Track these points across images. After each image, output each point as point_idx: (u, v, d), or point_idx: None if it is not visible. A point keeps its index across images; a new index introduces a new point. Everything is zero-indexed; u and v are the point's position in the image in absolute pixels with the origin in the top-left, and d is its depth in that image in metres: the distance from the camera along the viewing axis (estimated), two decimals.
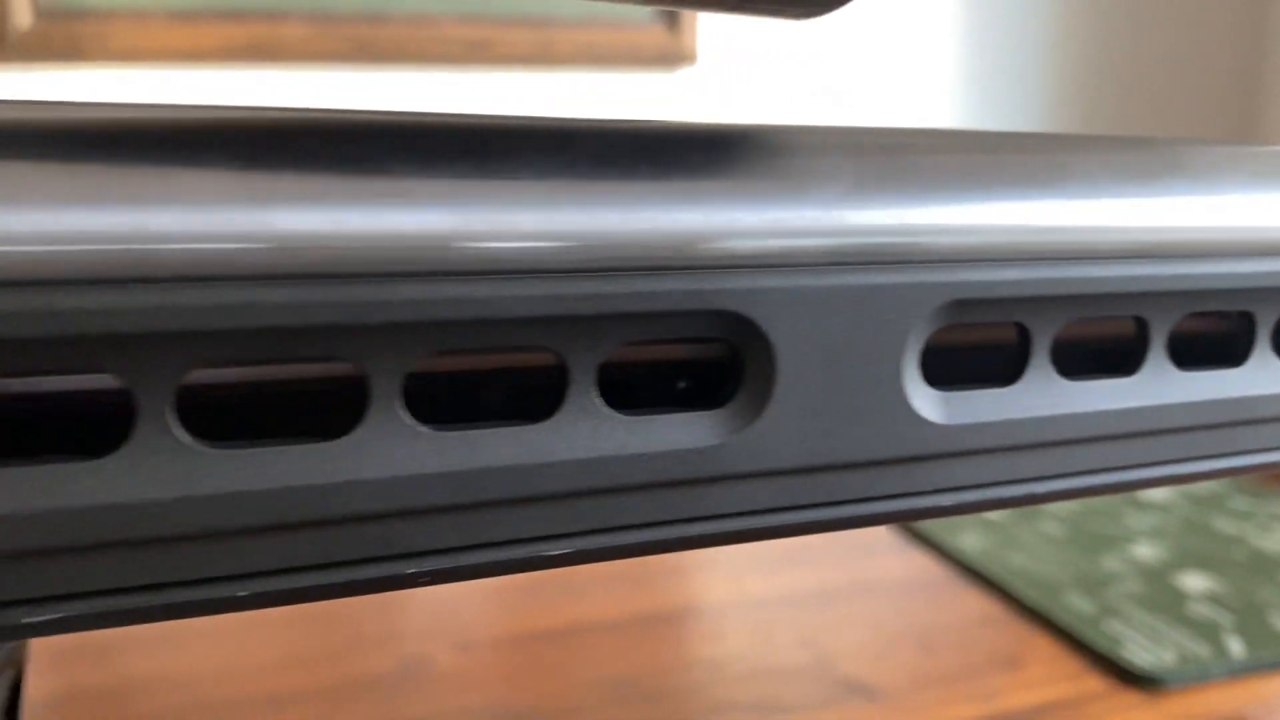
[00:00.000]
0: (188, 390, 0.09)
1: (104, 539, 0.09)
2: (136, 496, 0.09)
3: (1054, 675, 0.46)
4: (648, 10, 1.45)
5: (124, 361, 0.09)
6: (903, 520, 0.12)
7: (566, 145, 0.10)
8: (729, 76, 1.55)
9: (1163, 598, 0.52)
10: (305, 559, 0.10)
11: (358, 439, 0.10)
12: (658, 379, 0.11)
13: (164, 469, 0.09)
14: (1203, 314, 0.14)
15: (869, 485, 0.11)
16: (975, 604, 0.53)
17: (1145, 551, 0.58)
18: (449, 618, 0.52)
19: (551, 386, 0.10)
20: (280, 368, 0.10)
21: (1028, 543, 0.58)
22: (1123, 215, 0.12)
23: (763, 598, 0.54)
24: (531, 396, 0.10)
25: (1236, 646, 0.47)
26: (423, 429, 0.10)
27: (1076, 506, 0.64)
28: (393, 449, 0.10)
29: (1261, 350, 0.14)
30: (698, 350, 0.11)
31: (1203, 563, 0.56)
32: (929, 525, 0.60)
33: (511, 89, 1.21)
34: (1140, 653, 0.47)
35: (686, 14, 1.46)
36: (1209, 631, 0.49)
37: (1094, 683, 0.46)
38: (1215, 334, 0.14)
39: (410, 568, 0.10)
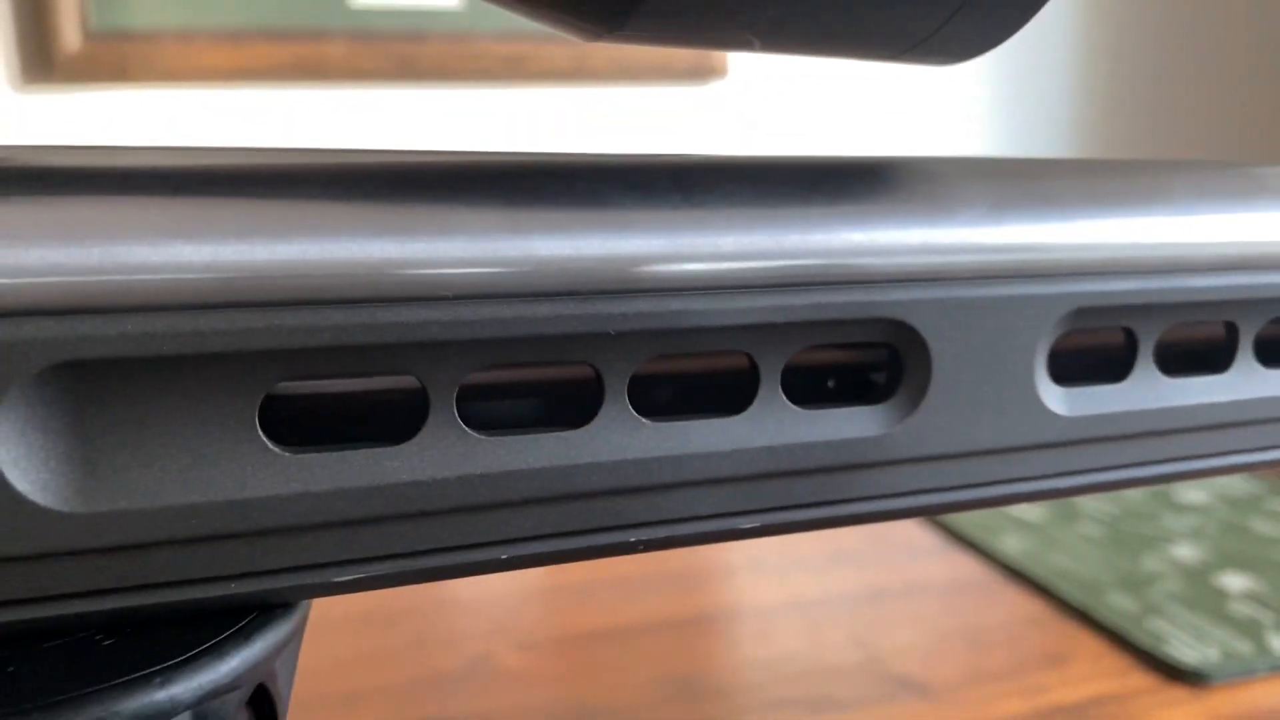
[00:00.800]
0: (464, 388, 0.11)
1: (401, 511, 0.11)
2: (428, 475, 0.11)
3: (1100, 671, 0.48)
4: None
5: (423, 364, 0.11)
6: (1033, 500, 0.13)
7: (756, 179, 0.12)
8: (760, 91, 1.57)
9: (1204, 597, 0.53)
10: (552, 528, 0.12)
11: (595, 429, 0.12)
12: (816, 379, 0.13)
13: (449, 453, 0.11)
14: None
15: (1006, 470, 0.13)
16: (1019, 604, 0.54)
17: (1185, 552, 0.59)
18: (509, 619, 0.54)
19: (742, 385, 0.12)
20: (534, 370, 0.12)
21: (1068, 544, 0.60)
22: (1216, 231, 0.13)
23: (813, 598, 0.55)
24: (727, 393, 0.12)
25: (1278, 644, 0.49)
26: (645, 421, 0.12)
27: (1114, 509, 0.65)
28: (622, 437, 0.12)
29: None
30: (855, 354, 0.13)
31: (1242, 563, 0.57)
32: (971, 528, 0.62)
33: (548, 104, 1.23)
34: (1184, 650, 0.48)
35: None
36: (1251, 629, 0.50)
37: (1139, 679, 0.47)
38: None
39: (632, 536, 0.12)
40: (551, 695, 0.47)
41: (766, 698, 0.46)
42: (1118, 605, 0.52)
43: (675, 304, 0.11)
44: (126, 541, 0.10)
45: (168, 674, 0.10)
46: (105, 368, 0.10)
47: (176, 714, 0.09)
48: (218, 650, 0.10)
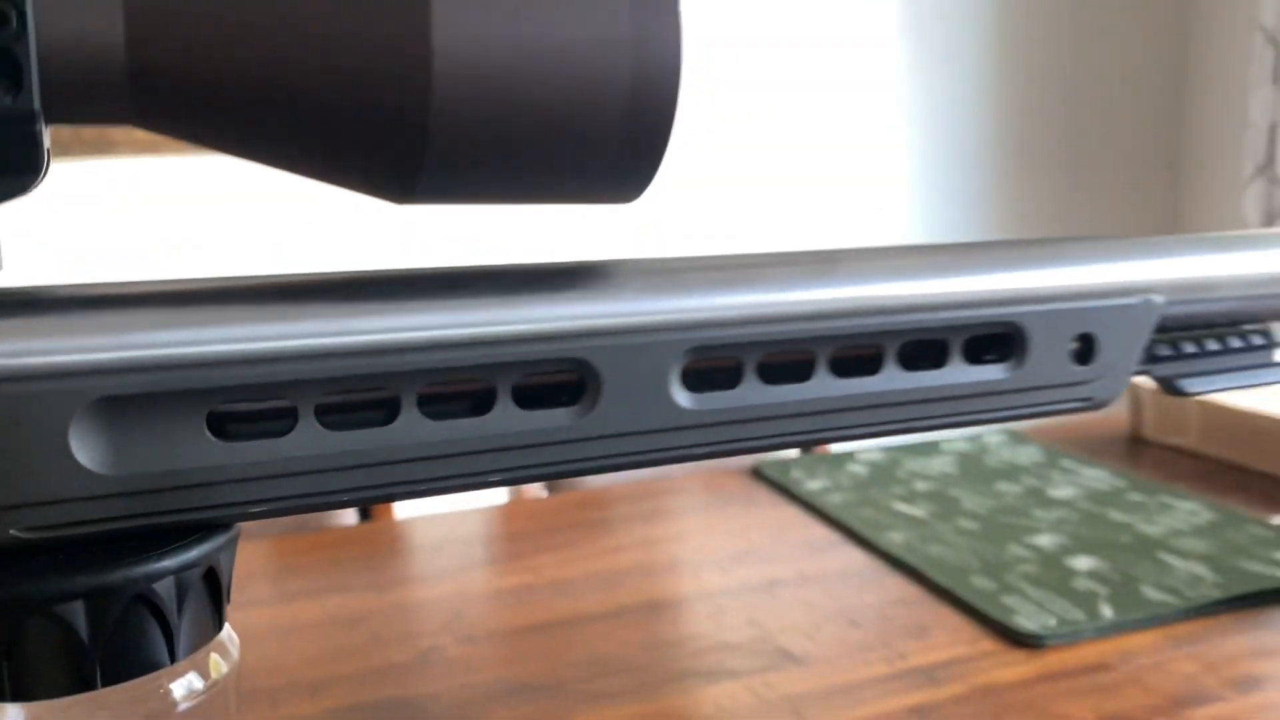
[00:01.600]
0: None
1: (286, 472, 0.19)
2: (301, 454, 0.19)
3: (955, 640, 0.56)
4: None
5: (290, 392, 0.19)
6: (676, 461, 0.21)
7: (502, 277, 0.20)
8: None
9: (1054, 576, 0.62)
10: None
11: (399, 428, 0.20)
12: (536, 394, 0.21)
13: (308, 445, 0.19)
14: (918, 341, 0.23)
15: (656, 442, 0.21)
16: (896, 588, 0.63)
17: (1045, 540, 0.68)
18: (455, 618, 0.62)
19: (487, 399, 0.20)
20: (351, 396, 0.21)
21: (945, 536, 0.68)
22: (783, 301, 0.22)
23: (719, 589, 0.64)
24: (480, 404, 0.20)
25: (1108, 611, 0.57)
26: (431, 422, 0.20)
27: (992, 504, 0.74)
28: (421, 433, 0.19)
29: (955, 358, 0.24)
30: (561, 377, 0.21)
31: (1093, 547, 0.66)
32: (862, 525, 0.70)
33: None
34: (1027, 619, 0.57)
35: None
36: (1088, 600, 0.59)
37: (988, 645, 0.56)
38: (933, 347, 0.24)
39: (431, 487, 0.20)
40: (490, 677, 0.55)
41: (673, 670, 0.55)
42: (979, 586, 0.61)
43: (450, 355, 0.19)
44: (135, 489, 0.17)
45: (163, 554, 0.18)
46: (125, 401, 0.18)
47: (167, 575, 0.17)
48: (188, 546, 0.18)
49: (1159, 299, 0.25)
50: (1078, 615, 0.57)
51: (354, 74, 0.16)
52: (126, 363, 0.17)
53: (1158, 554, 0.65)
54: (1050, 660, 0.54)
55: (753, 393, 0.21)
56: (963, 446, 0.88)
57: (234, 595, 0.22)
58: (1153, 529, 0.69)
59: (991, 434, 0.91)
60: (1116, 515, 0.71)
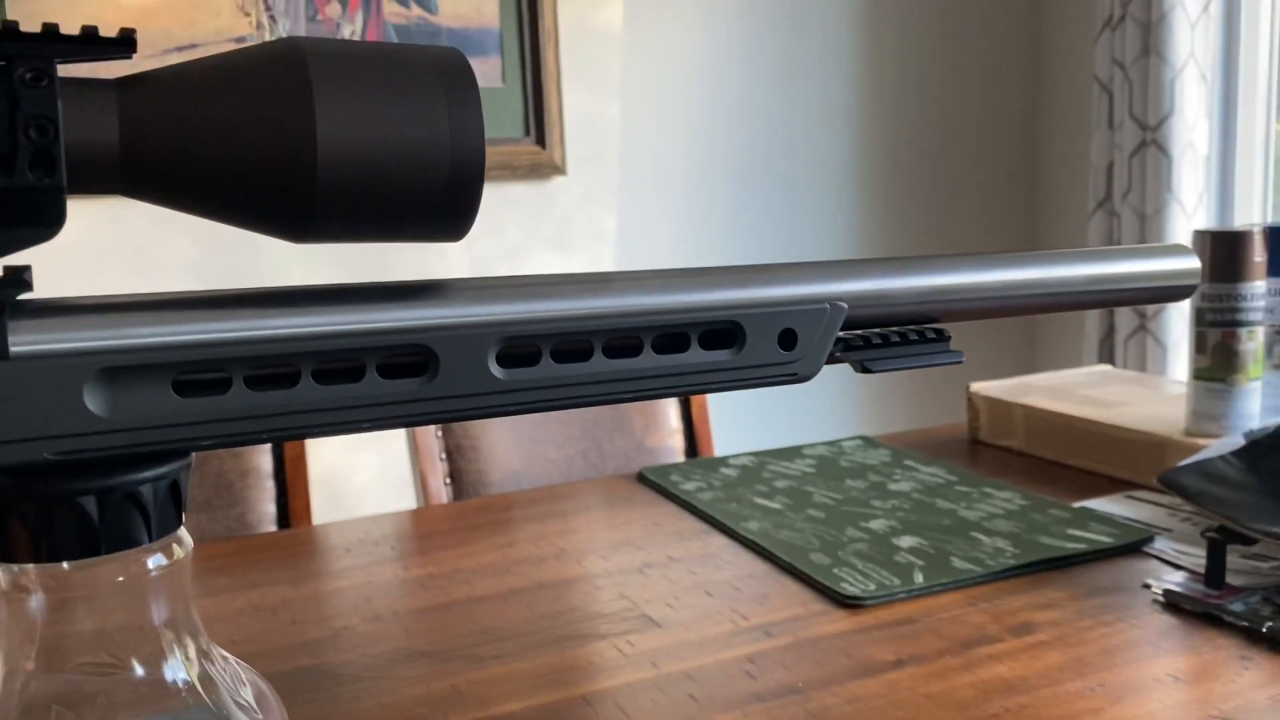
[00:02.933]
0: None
1: (241, 415, 0.28)
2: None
3: (791, 604, 0.67)
4: (519, 127, 1.71)
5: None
6: (502, 414, 0.31)
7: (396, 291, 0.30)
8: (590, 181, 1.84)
9: (880, 552, 0.73)
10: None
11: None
12: (399, 368, 0.30)
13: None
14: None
15: (485, 401, 0.30)
16: (749, 566, 0.73)
17: (879, 524, 0.79)
18: (366, 603, 0.70)
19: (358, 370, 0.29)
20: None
21: (795, 524, 0.79)
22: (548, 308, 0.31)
23: (598, 572, 0.73)
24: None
25: (919, 578, 0.68)
26: (329, 388, 0.29)
27: (839, 498, 0.85)
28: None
29: (694, 346, 0.34)
30: (410, 357, 0.30)
31: (918, 529, 0.77)
32: (724, 516, 0.81)
33: None
34: (852, 585, 0.67)
35: (554, 133, 1.73)
36: (905, 570, 0.70)
37: (817, 607, 0.66)
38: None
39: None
40: (393, 647, 0.64)
41: (550, 636, 0.64)
42: (816, 561, 0.72)
43: (335, 342, 0.28)
44: (126, 428, 0.26)
45: (144, 469, 0.26)
46: (119, 370, 0.27)
47: (147, 483, 0.26)
48: (160, 465, 0.27)
49: (844, 305, 0.35)
50: (894, 581, 0.68)
51: (264, 159, 0.25)
52: (119, 347, 0.26)
53: (971, 533, 0.76)
54: (866, 617, 0.65)
55: (548, 369, 0.30)
56: (822, 450, 0.99)
57: None
58: (971, 514, 0.80)
59: (848, 439, 1.02)
60: (943, 503, 0.83)
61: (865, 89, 2.19)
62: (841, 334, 0.36)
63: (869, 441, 1.02)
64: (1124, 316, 2.00)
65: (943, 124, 2.28)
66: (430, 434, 1.18)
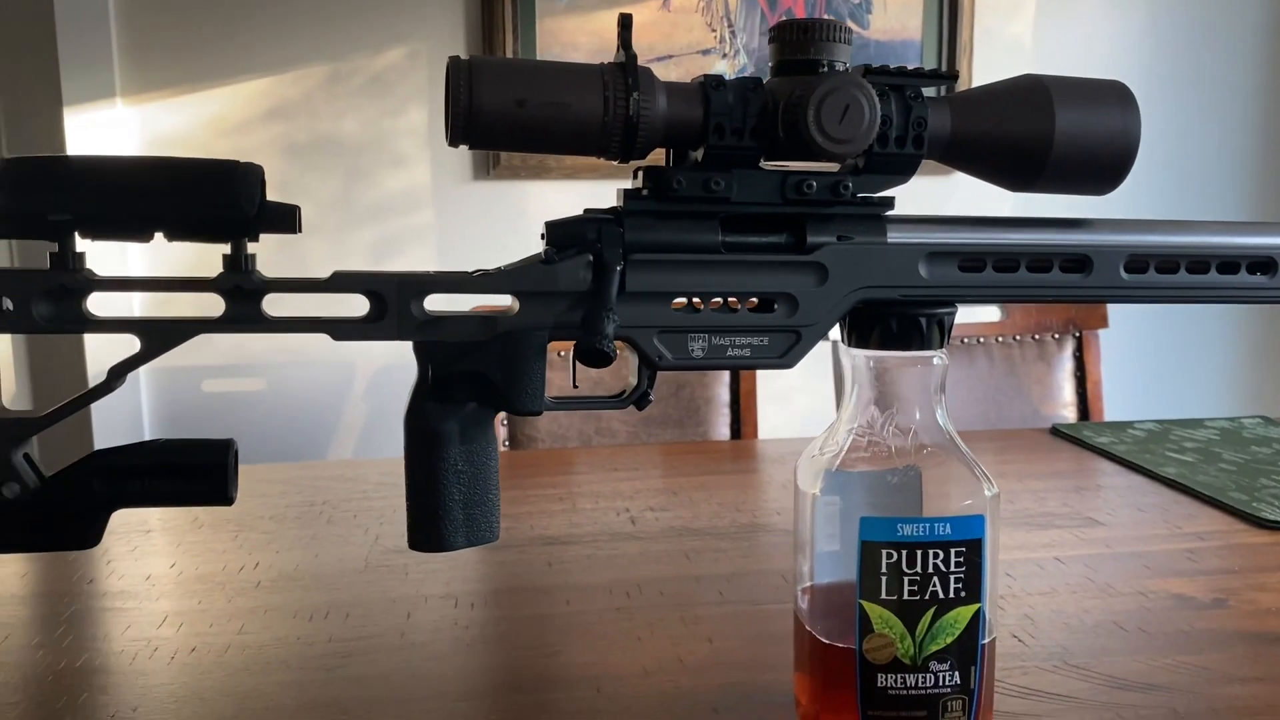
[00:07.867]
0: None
1: None
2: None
3: (1215, 523, 0.82)
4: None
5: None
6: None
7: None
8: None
9: None
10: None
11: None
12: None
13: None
14: None
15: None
16: (1171, 497, 0.88)
17: None
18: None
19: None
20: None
21: (1209, 473, 0.93)
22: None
23: (1040, 489, 0.91)
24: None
25: None
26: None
27: (1246, 459, 0.97)
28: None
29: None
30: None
31: None
32: (1143, 463, 0.96)
33: None
34: (1270, 514, 0.81)
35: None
36: None
37: (1240, 526, 0.81)
38: None
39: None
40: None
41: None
42: (1235, 497, 0.86)
43: None
44: (937, 284, 0.48)
45: (940, 306, 0.48)
46: (937, 254, 0.48)
47: (943, 316, 0.48)
48: (949, 306, 0.49)
49: None
50: None
51: (1012, 145, 0.47)
52: (938, 241, 0.49)
53: None
54: None
55: (1153, 278, 0.50)
56: (1223, 424, 1.11)
57: None
58: None
59: (1248, 417, 1.13)
60: None
61: (1274, 99, 2.19)
62: None
63: (1269, 420, 1.12)
64: None
65: None
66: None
